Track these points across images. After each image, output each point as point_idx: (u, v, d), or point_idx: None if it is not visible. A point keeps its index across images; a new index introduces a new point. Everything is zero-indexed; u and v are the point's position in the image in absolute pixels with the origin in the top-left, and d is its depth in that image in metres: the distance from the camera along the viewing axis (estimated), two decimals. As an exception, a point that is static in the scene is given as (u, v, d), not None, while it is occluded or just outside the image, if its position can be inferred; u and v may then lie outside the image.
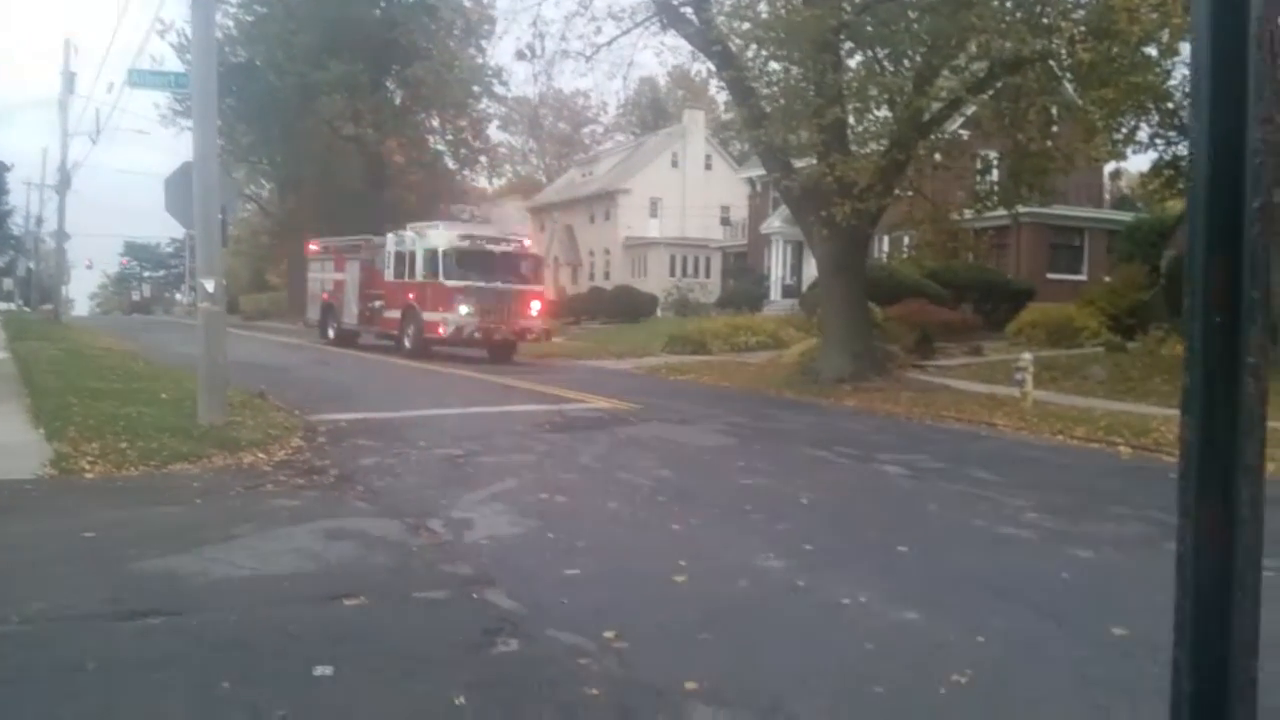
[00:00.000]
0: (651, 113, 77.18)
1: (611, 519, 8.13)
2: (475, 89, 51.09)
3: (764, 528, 7.92)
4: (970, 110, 20.43)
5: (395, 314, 27.05)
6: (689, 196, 53.46)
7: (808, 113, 18.63)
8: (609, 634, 5.19)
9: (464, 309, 24.73)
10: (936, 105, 19.08)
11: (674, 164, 54.91)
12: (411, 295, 26.04)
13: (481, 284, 24.90)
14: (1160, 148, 24.04)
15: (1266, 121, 1.19)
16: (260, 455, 10.18)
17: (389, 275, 27.74)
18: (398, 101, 51.25)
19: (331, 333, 31.46)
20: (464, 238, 25.78)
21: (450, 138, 53.78)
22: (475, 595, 5.88)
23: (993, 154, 22.76)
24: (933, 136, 19.64)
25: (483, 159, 56.51)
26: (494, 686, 4.51)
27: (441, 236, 25.67)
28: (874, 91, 18.97)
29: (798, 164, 21.28)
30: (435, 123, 53.45)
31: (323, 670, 4.57)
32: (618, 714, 4.26)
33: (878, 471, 11.07)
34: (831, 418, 15.94)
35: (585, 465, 10.59)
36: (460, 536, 7.30)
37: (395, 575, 6.24)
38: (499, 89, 50.75)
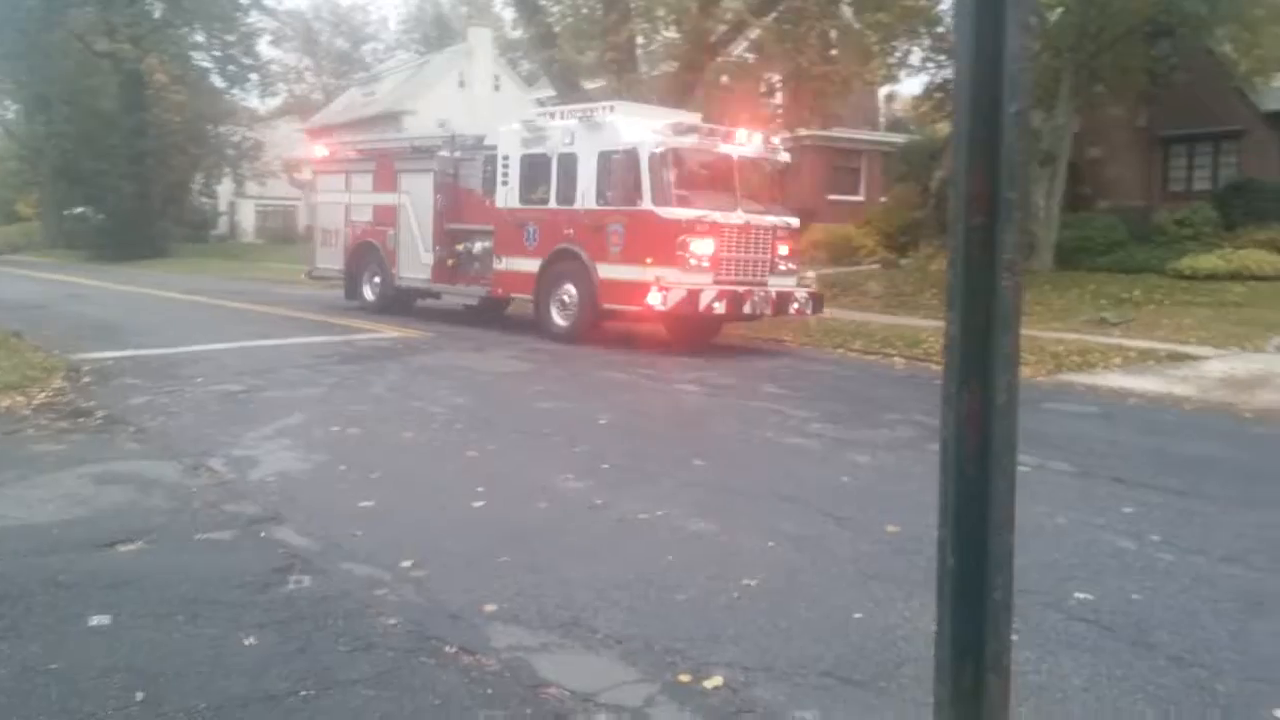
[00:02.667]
0: (436, 29, 74.69)
1: (406, 449, 7.98)
2: (243, 1, 47.96)
3: (562, 450, 7.97)
4: (755, 33, 20.77)
5: (527, 266, 15.66)
6: (478, 118, 52.27)
7: (597, 32, 18.52)
8: (406, 563, 5.12)
9: (699, 260, 13.82)
10: (722, 27, 19.31)
11: (461, 84, 53.50)
12: (572, 232, 14.86)
13: (719, 215, 14.07)
14: (931, 71, 25.21)
15: (1025, 28, 1.24)
16: (18, 399, 9.41)
17: (506, 198, 16.13)
18: (157, 14, 47.44)
19: (371, 293, 19.46)
20: (684, 129, 14.24)
21: (217, 54, 50.38)
22: (263, 534, 5.66)
23: (776, 77, 23.28)
24: (719, 59, 19.90)
25: (254, 77, 53.22)
26: (286, 624, 4.37)
27: (640, 127, 14.15)
28: (661, 12, 19.03)
29: (589, 85, 21.13)
30: (200, 38, 49.88)
31: (99, 620, 4.31)
32: (415, 641, 4.22)
33: (675, 391, 11.32)
34: (633, 341, 16.13)
35: (377, 396, 10.34)
36: (244, 475, 7.00)
37: (174, 518, 5.92)
38: (269, 1, 47.82)
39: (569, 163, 14.91)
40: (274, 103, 67.70)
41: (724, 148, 14.51)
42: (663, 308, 13.54)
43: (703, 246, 13.77)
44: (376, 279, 19.25)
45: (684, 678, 3.94)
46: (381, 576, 4.96)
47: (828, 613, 4.66)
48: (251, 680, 3.86)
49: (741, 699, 3.79)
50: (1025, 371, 12.47)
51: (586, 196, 14.56)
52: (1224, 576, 5.36)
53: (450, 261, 17.43)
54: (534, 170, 15.56)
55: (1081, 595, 4.95)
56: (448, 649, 4.16)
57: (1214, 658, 4.28)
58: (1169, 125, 25.65)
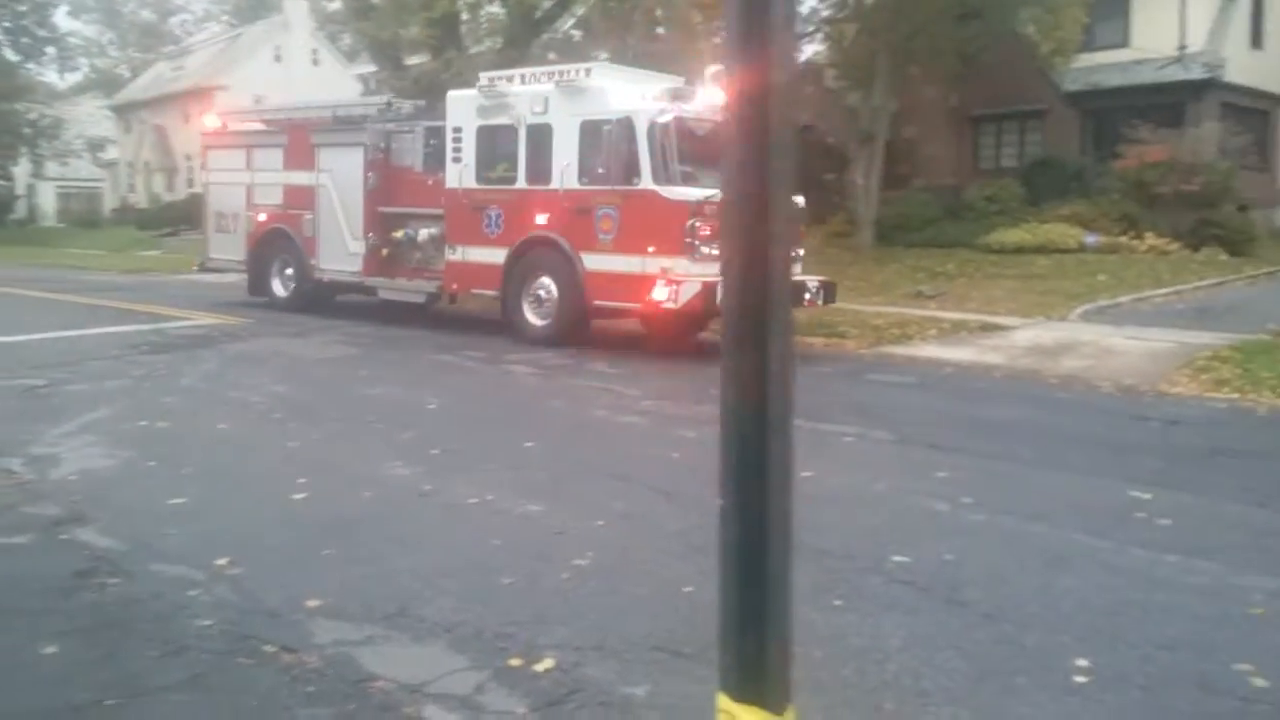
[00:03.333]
0: (249, 1, 71.51)
1: (221, 441, 7.63)
2: (36, -32, 44.82)
3: (389, 437, 7.78)
4: (581, 11, 20.71)
5: (489, 257, 13.36)
6: (296, 94, 50.36)
7: (417, 5, 18.07)
8: (221, 561, 4.89)
9: (711, 247, 11.41)
10: (548, 3, 19.16)
11: (277, 58, 51.38)
12: (548, 217, 12.61)
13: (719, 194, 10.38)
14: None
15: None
16: None
17: (460, 177, 13.69)
18: (-63, -19, 43.90)
19: (282, 287, 16.51)
20: (684, 94, 12.10)
21: (8, 25, 46.93)
22: (64, 536, 5.31)
23: (604, 55, 23.28)
24: (545, 35, 19.74)
25: (50, 50, 49.87)
26: (91, 631, 4.11)
27: (631, 93, 12.23)
28: (484, -15, 18.71)
29: (411, 60, 20.63)
30: (-12, 7, 46.39)
31: None
32: (231, 641, 4.03)
33: (506, 372, 11.21)
34: (453, 320, 15.88)
35: (190, 387, 9.85)
36: (45, 474, 6.55)
37: (-37, 524, 5.49)
38: (65, -31, 44.78)
39: (541, 135, 12.61)
40: (74, 78, 63.64)
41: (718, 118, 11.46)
42: (673, 305, 11.35)
43: (713, 232, 11.28)
44: (289, 271, 16.28)
45: (514, 662, 3.90)
46: (195, 576, 4.72)
47: (658, 588, 4.70)
48: (52, 691, 3.62)
49: (573, 679, 3.77)
50: (848, 345, 12.94)
51: (567, 175, 12.28)
52: (1031, 534, 5.66)
53: (385, 251, 14.79)
54: (495, 144, 13.25)
55: (899, 558, 5.14)
56: (267, 648, 3.99)
57: (1021, 612, 4.51)
58: (979, 105, 26.90)
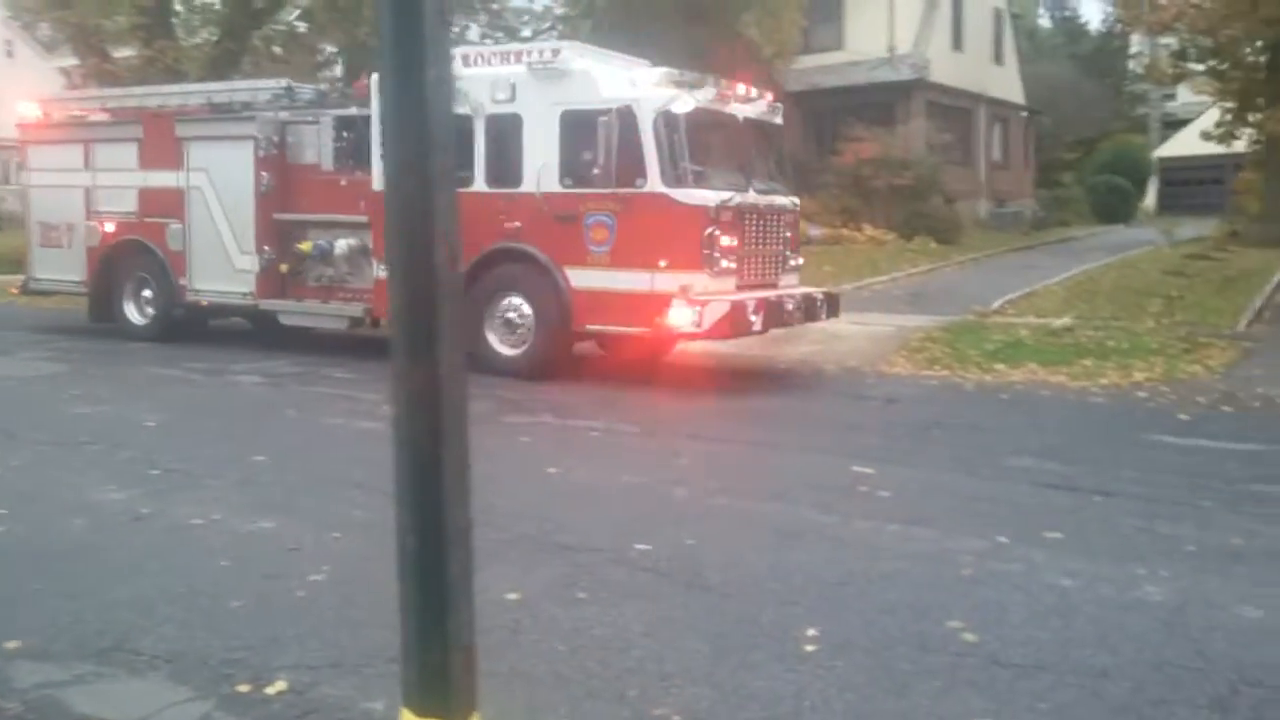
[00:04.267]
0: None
1: (-97, 474, 6.81)
2: None
3: (103, 459, 7.18)
4: (305, 2, 19.91)
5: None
6: (-9, 89, 45.73)
7: (124, -7, 16.80)
8: (-102, 610, 4.35)
9: (727, 260, 10.10)
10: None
11: (-35, 50, 46.59)
12: (518, 225, 10.53)
13: (739, 197, 10.40)
14: (490, 44, 25.59)
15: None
16: None
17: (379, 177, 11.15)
18: None
19: (138, 312, 13.59)
20: (690, 81, 10.34)
21: None
22: None
23: (332, 48, 22.53)
24: (267, 27, 18.85)
25: None
26: None
27: (622, 78, 10.37)
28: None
29: (119, 52, 19.18)
30: None
31: None
32: (-90, 701, 3.59)
33: (232, 384, 10.61)
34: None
35: None
36: None
37: None
38: None
39: (506, 128, 10.50)
40: None
41: (736, 108, 10.84)
42: (696, 329, 9.65)
43: (732, 241, 10.03)
44: (147, 293, 13.31)
45: (243, 688, 3.68)
46: None
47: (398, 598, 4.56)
48: None
49: (307, 700, 3.60)
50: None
51: (544, 176, 10.23)
52: (767, 514, 5.90)
53: (285, 267, 12.19)
54: (476, 133, 10.76)
55: (642, 546, 5.23)
56: (-47, 702, 3.58)
57: (757, 589, 4.69)
58: (710, 105, 27.82)
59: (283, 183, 12.29)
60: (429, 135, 1.15)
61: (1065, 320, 13.54)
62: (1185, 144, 37.69)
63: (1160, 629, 4.27)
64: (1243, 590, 4.70)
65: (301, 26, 20.49)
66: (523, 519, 5.66)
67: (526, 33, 26.76)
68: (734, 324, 9.54)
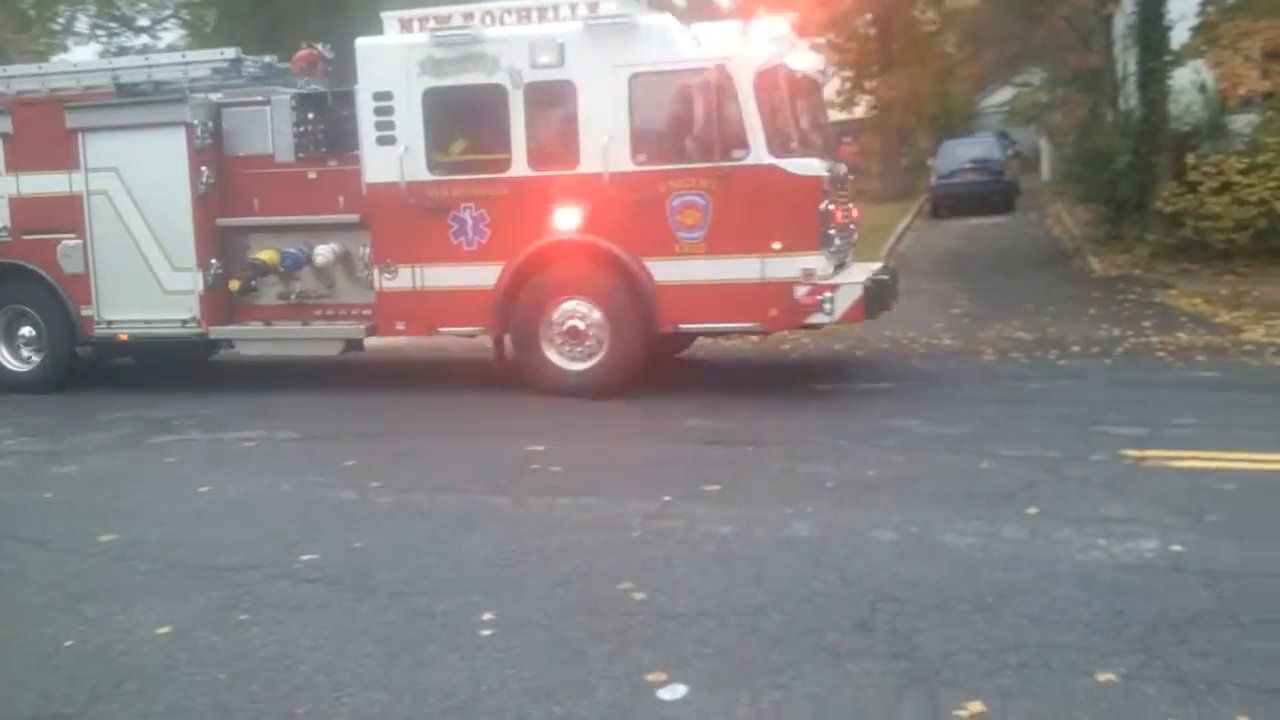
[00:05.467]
0: None
1: None
2: None
3: None
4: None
5: (467, 278, 9.02)
6: None
7: None
8: None
9: (839, 238, 8.96)
10: None
11: None
12: (579, 216, 8.70)
13: (833, 165, 9.25)
14: (103, 39, 23.82)
15: None
16: None
17: (404, 166, 9.00)
18: None
19: (13, 358, 10.45)
20: (782, 39, 8.86)
21: None
22: None
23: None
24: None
25: None
26: None
27: (705, 34, 8.77)
28: None
29: None
30: None
31: None
32: None
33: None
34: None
35: None
36: None
37: None
38: None
39: (556, 97, 8.80)
40: None
41: (805, 69, 9.40)
42: (827, 319, 8.44)
43: (837, 217, 8.85)
44: (26, 331, 10.41)
45: None
46: None
47: (28, 650, 4.10)
48: None
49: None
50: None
51: (612, 152, 8.53)
52: (439, 505, 5.79)
53: (236, 284, 9.78)
54: (458, 114, 9.13)
55: (308, 556, 4.99)
56: None
57: (431, 582, 4.60)
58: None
59: (225, 181, 9.79)
60: None
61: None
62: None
63: (808, 562, 4.61)
64: (877, 517, 5.16)
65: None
66: (175, 546, 5.25)
67: (144, 21, 24.74)
68: (866, 308, 8.42)
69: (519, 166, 8.75)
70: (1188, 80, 15.62)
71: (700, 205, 8.47)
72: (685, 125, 8.52)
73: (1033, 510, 5.15)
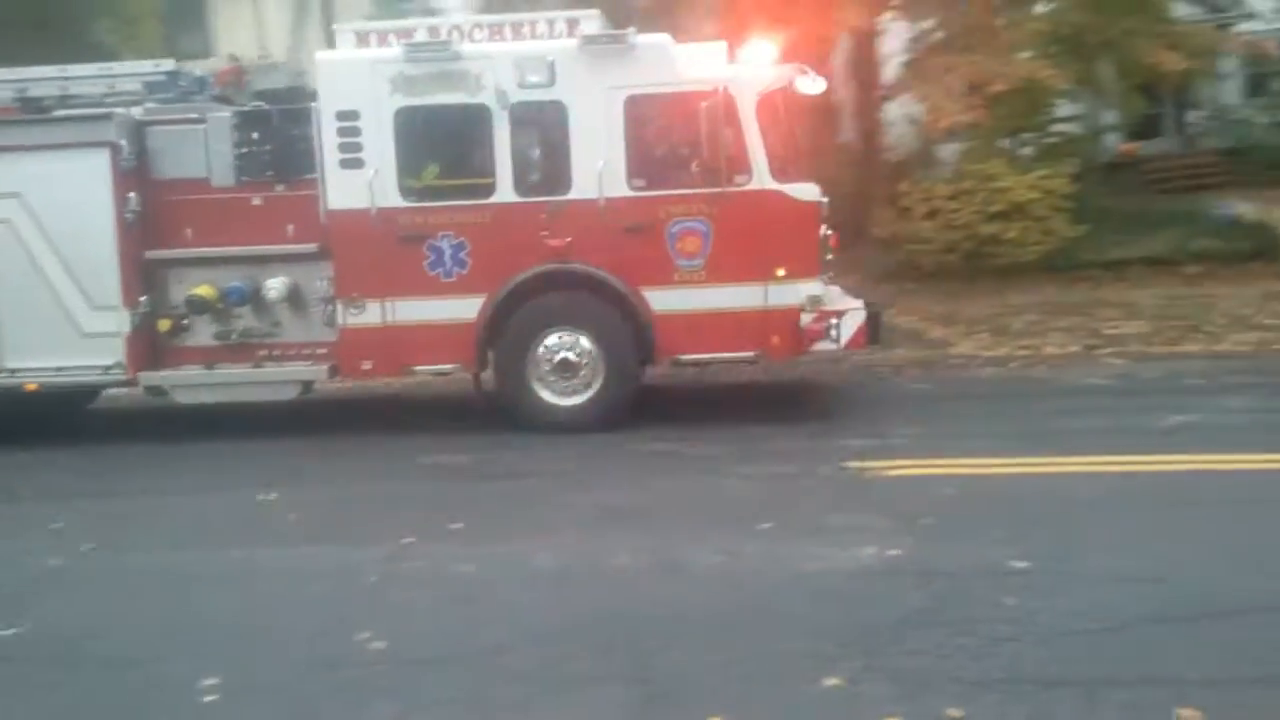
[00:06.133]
0: None
1: None
2: None
3: None
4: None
5: (446, 311, 8.24)
6: None
7: None
8: None
9: (829, 265, 8.68)
10: None
11: None
12: (569, 241, 8.08)
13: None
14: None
15: None
16: None
17: (374, 190, 8.11)
18: None
19: None
20: (778, 60, 8.32)
21: None
22: None
23: None
24: None
25: None
26: None
27: (700, 55, 8.25)
28: None
29: None
30: None
31: None
32: None
33: None
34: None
35: None
36: None
37: None
38: None
39: (545, 119, 8.34)
40: None
41: (804, 86, 8.82)
42: (835, 346, 8.28)
43: (830, 243, 8.70)
44: None
45: None
46: None
47: None
48: None
49: None
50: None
51: (608, 177, 8.13)
52: (165, 565, 5.37)
53: (166, 324, 8.66)
54: (437, 135, 8.47)
55: (5, 632, 4.53)
56: None
57: (150, 648, 4.28)
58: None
59: (153, 207, 8.63)
60: None
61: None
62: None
63: (552, 594, 4.62)
64: (623, 542, 5.23)
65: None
66: None
67: None
68: (869, 334, 8.33)
69: (504, 192, 8.26)
70: (899, 113, 16.85)
71: (701, 232, 8.29)
72: (684, 149, 8.37)
73: (766, 525, 5.36)
